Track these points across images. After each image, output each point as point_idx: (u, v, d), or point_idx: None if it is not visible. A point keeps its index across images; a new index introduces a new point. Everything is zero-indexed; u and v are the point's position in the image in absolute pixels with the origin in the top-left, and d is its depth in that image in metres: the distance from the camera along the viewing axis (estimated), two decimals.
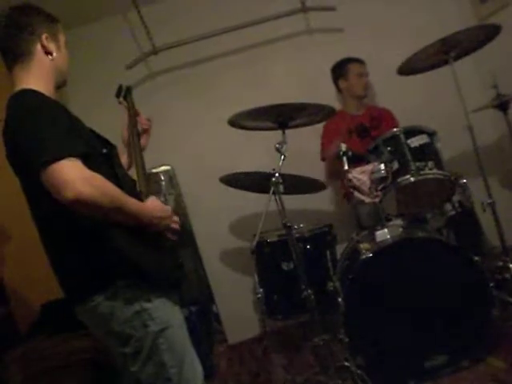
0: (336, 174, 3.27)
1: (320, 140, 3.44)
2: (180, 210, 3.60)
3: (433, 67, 2.86)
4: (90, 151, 1.52)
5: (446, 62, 2.74)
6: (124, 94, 1.95)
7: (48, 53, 1.66)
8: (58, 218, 1.52)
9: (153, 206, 1.62)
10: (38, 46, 1.64)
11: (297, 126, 2.57)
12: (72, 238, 1.54)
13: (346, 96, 3.50)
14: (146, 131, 1.98)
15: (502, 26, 2.66)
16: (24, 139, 1.46)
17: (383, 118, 3.40)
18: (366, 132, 3.31)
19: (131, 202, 1.53)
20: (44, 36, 1.65)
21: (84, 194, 1.37)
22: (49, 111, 1.51)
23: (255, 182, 2.79)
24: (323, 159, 3.41)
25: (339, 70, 3.48)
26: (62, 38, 1.73)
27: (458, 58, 2.75)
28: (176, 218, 1.71)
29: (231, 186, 3.01)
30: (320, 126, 3.31)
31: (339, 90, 3.53)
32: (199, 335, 2.98)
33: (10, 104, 1.56)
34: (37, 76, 1.62)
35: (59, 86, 1.72)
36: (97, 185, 1.42)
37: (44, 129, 1.45)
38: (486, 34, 2.69)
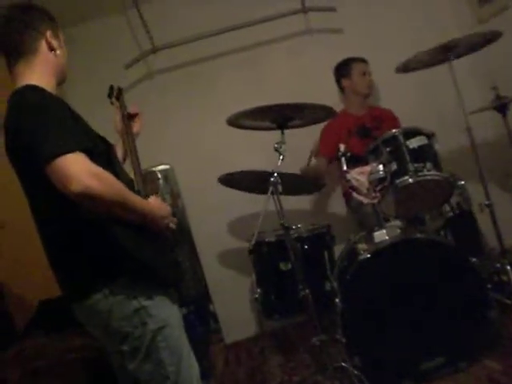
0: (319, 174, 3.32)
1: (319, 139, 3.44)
2: (178, 209, 3.60)
3: (431, 66, 2.86)
4: (93, 148, 1.52)
5: (444, 62, 2.74)
6: (116, 94, 1.96)
7: (52, 49, 1.68)
8: (60, 215, 1.53)
9: (156, 203, 1.64)
10: (43, 43, 1.66)
11: (296, 127, 2.57)
12: (73, 234, 1.54)
13: (349, 95, 3.49)
14: (135, 116, 2.00)
15: (501, 28, 2.66)
16: (28, 134, 1.46)
17: (385, 118, 3.41)
18: (367, 133, 3.30)
19: (135, 198, 1.55)
20: (48, 33, 1.67)
21: (90, 188, 1.38)
22: (53, 107, 1.52)
23: (254, 182, 2.78)
24: (316, 156, 3.40)
25: (343, 69, 3.48)
26: (61, 35, 1.75)
27: (456, 58, 2.74)
28: (175, 219, 1.73)
29: (229, 185, 3.00)
30: (319, 127, 3.31)
31: (342, 89, 3.53)
32: (196, 334, 2.97)
33: (13, 100, 1.56)
34: (40, 72, 1.63)
35: (60, 82, 1.74)
36: (103, 179, 1.43)
37: (49, 124, 1.46)
38: (486, 38, 2.69)
